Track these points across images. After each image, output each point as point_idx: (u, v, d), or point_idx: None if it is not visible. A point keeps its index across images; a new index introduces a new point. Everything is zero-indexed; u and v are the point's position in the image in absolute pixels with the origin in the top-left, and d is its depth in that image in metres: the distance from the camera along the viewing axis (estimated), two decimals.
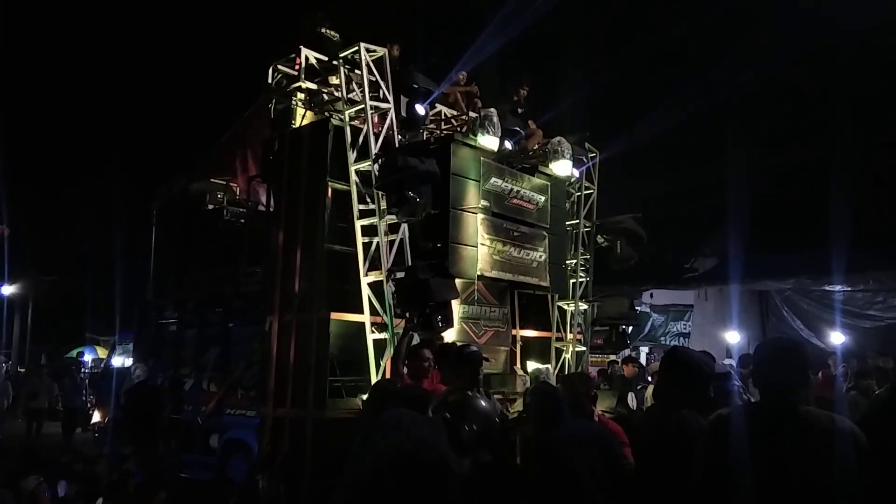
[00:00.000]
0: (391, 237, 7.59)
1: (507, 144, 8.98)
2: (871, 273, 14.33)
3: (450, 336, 7.51)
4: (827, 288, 15.33)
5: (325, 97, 8.54)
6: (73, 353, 24.37)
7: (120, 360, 12.30)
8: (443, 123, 9.55)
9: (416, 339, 6.59)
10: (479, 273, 8.12)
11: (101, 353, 22.66)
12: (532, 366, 9.24)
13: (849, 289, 15.18)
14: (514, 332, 9.48)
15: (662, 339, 16.78)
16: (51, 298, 28.63)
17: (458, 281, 7.67)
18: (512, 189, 8.73)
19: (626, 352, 13.31)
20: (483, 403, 3.80)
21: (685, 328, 16.74)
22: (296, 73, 8.49)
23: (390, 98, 7.94)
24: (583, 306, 10.52)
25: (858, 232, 12.92)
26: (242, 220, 10.06)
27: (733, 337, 15.18)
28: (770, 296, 16.83)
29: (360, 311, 7.52)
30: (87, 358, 23.87)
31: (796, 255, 14.78)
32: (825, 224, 13.04)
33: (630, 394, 9.38)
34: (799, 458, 2.49)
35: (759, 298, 17.08)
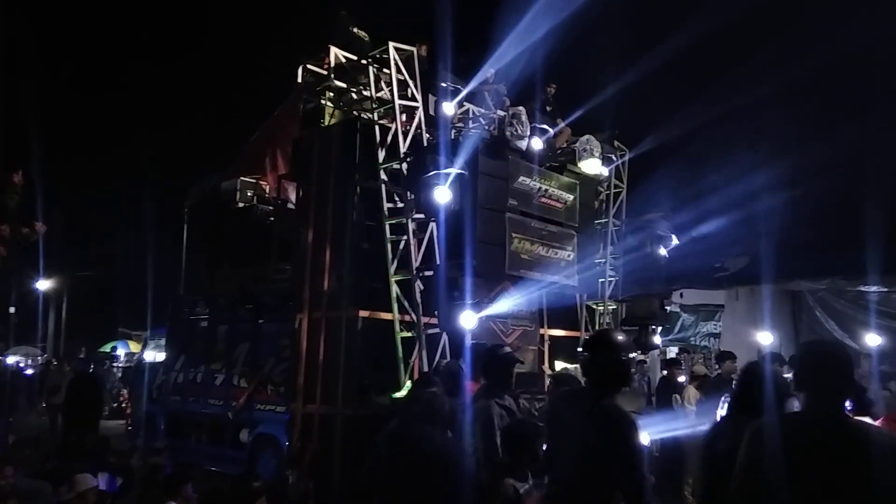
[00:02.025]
0: (419, 236, 7.62)
1: (536, 143, 8.93)
2: None
3: (478, 335, 7.51)
4: (862, 288, 14.99)
5: (354, 96, 8.58)
6: (107, 347, 24.85)
7: (152, 355, 12.52)
8: (471, 122, 9.54)
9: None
10: (507, 272, 8.11)
11: (134, 347, 23.06)
12: (560, 365, 9.21)
13: (885, 289, 14.82)
14: (542, 331, 9.45)
15: (693, 339, 16.57)
16: (85, 294, 29.23)
17: (486, 280, 7.67)
18: (540, 188, 8.70)
19: (673, 353, 13.20)
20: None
21: (716, 328, 16.50)
22: (325, 73, 8.55)
23: (419, 97, 7.96)
24: (612, 306, 10.44)
25: (894, 231, 12.62)
26: (272, 218, 10.17)
27: (765, 338, 14.94)
28: (803, 296, 16.51)
29: (389, 310, 7.56)
30: (120, 352, 24.32)
31: (830, 254, 14.49)
32: (860, 223, 12.76)
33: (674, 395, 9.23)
34: (849, 474, 2.42)
35: (791, 299, 16.77)
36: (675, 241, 10.47)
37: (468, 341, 6.88)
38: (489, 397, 4.29)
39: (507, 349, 4.63)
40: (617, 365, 3.28)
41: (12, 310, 24.71)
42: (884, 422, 4.83)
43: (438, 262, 7.45)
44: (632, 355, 11.62)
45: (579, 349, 7.95)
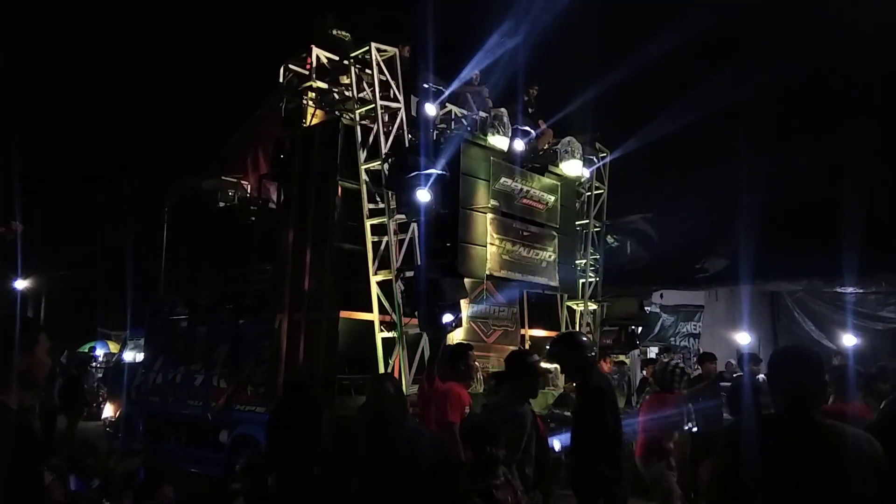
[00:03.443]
0: (401, 236, 7.63)
1: (518, 144, 8.97)
2: (883, 275, 14.23)
3: (459, 335, 7.53)
4: (839, 289, 15.23)
5: (336, 97, 8.58)
6: (86, 347, 24.57)
7: (131, 356, 12.40)
8: (453, 123, 9.56)
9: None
10: (488, 272, 8.14)
11: (114, 347, 22.83)
12: (541, 366, 9.23)
13: (861, 290, 15.08)
14: (522, 331, 9.49)
15: (672, 339, 16.68)
16: (63, 293, 28.87)
17: (467, 280, 7.68)
18: (522, 189, 8.74)
19: (654, 354, 13.31)
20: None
21: (695, 329, 16.64)
22: (307, 73, 8.54)
23: (401, 98, 7.97)
24: (592, 306, 10.51)
25: (870, 233, 12.83)
26: (253, 218, 10.12)
27: (744, 338, 15.10)
28: (781, 297, 16.73)
29: (370, 310, 7.56)
30: (99, 353, 24.05)
31: (808, 256, 14.68)
32: (837, 225, 12.95)
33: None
34: (822, 474, 2.46)
35: (770, 300, 16.98)
36: (655, 242, 10.57)
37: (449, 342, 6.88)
38: (519, 402, 4.32)
39: (536, 357, 4.64)
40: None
41: None
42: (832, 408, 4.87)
43: (419, 263, 7.46)
44: (621, 357, 11.86)
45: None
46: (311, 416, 6.32)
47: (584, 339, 4.79)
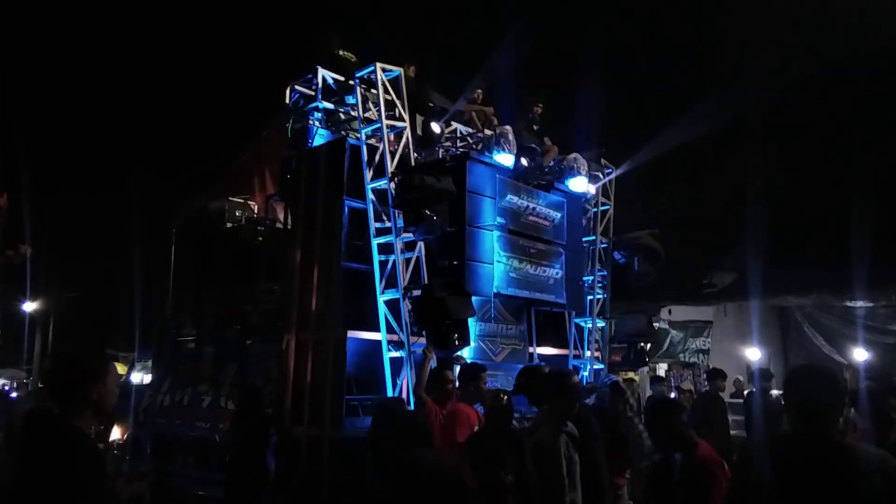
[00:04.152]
0: (407, 255, 7.61)
1: (523, 161, 8.99)
2: (893, 288, 14.13)
3: (466, 355, 7.49)
4: (849, 304, 15.13)
5: (342, 116, 8.62)
6: None
7: (139, 377, 12.38)
8: (458, 141, 9.59)
9: (434, 363, 6.56)
10: (495, 290, 8.12)
11: (121, 369, 22.79)
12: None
13: (871, 304, 14.97)
14: (531, 349, 9.43)
15: (681, 355, 16.60)
16: (72, 315, 28.92)
17: (474, 299, 7.66)
18: (528, 206, 8.74)
19: (663, 372, 13.23)
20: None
21: (704, 344, 16.55)
22: (313, 93, 8.58)
23: (406, 117, 7.99)
24: (600, 323, 10.45)
25: (880, 247, 12.76)
26: (260, 238, 10.14)
27: (754, 353, 15.00)
28: (791, 311, 16.63)
29: (377, 330, 7.53)
30: None
31: (817, 270, 14.61)
32: (846, 239, 12.89)
33: None
34: (838, 494, 2.43)
35: (779, 314, 16.88)
36: (662, 257, 10.51)
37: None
38: (554, 425, 4.22)
39: (575, 378, 4.56)
40: None
41: None
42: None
43: (426, 282, 7.44)
44: (630, 374, 11.76)
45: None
46: (258, 434, 6.57)
47: (547, 370, 4.88)
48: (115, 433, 12.52)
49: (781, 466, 2.52)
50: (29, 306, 24.81)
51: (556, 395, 4.34)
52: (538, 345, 9.64)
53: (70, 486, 2.50)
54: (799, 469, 2.51)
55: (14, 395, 18.56)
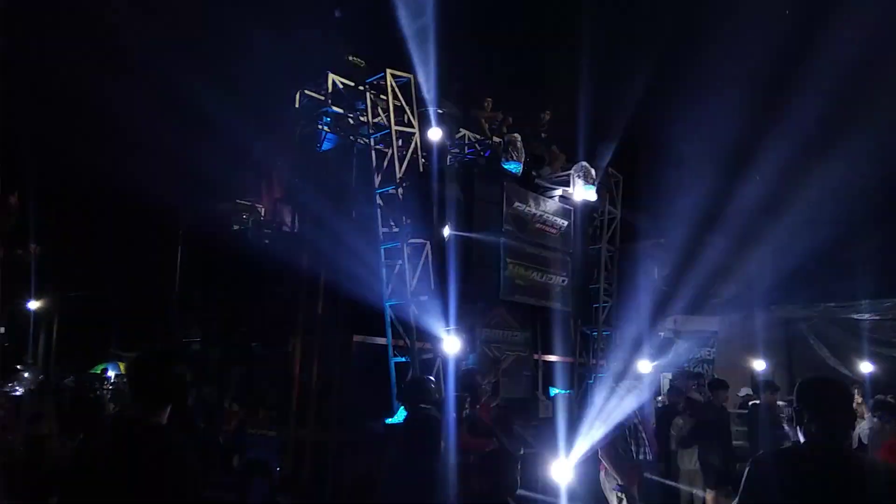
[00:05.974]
0: (415, 261, 7.63)
1: (531, 169, 9.01)
2: None
3: (472, 361, 7.50)
4: (854, 316, 15.06)
5: (351, 122, 8.64)
6: (98, 368, 24.59)
7: None
8: (467, 148, 9.63)
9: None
10: (501, 297, 8.12)
11: (125, 369, 22.82)
12: (555, 391, 9.18)
13: (877, 317, 14.89)
14: (536, 356, 9.43)
15: (686, 365, 16.53)
16: (77, 314, 28.95)
17: (480, 305, 7.67)
18: (535, 213, 8.75)
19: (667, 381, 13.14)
20: None
21: (709, 355, 16.48)
22: (322, 98, 8.61)
23: (415, 123, 8.02)
24: (605, 332, 10.44)
25: (886, 259, 12.71)
26: (267, 241, 10.16)
27: (759, 365, 14.94)
28: (796, 323, 16.55)
29: (383, 335, 7.54)
30: (111, 374, 24.05)
31: (823, 282, 14.56)
32: (852, 251, 12.85)
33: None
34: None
35: (784, 325, 16.80)
36: (668, 267, 10.51)
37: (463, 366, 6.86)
38: None
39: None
40: None
41: (1, 330, 24.44)
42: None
43: (433, 287, 7.45)
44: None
45: None
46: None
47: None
48: None
49: (797, 478, 2.53)
50: (34, 305, 24.83)
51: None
52: (544, 352, 9.64)
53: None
54: (814, 481, 2.51)
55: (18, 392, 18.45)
